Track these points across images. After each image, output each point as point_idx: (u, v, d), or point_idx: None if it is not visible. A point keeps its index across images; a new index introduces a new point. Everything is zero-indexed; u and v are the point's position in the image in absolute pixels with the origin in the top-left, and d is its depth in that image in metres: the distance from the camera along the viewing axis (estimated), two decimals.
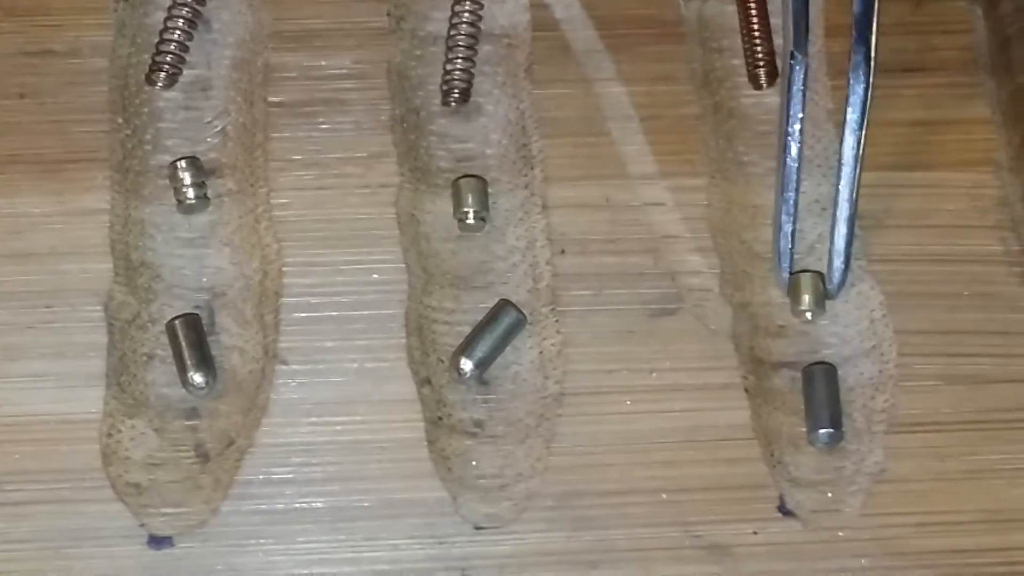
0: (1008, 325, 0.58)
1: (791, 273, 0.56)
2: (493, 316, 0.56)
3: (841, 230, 0.55)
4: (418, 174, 0.58)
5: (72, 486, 0.54)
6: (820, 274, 0.57)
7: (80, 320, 0.56)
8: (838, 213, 0.55)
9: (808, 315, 0.57)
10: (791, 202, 0.55)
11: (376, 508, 0.54)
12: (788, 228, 0.55)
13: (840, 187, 0.54)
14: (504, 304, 0.56)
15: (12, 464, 0.54)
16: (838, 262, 0.56)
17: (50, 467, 0.54)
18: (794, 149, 0.54)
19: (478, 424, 0.55)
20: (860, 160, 0.53)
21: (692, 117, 0.60)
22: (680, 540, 0.54)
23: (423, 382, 0.56)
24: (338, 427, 0.55)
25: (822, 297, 0.57)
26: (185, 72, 0.59)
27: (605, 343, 0.57)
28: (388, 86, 0.60)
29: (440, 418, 0.55)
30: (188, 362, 0.54)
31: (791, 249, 0.56)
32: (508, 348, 0.56)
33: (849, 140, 0.53)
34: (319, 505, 0.54)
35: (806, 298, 0.57)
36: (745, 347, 0.57)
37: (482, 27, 0.60)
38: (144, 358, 0.55)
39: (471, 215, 0.57)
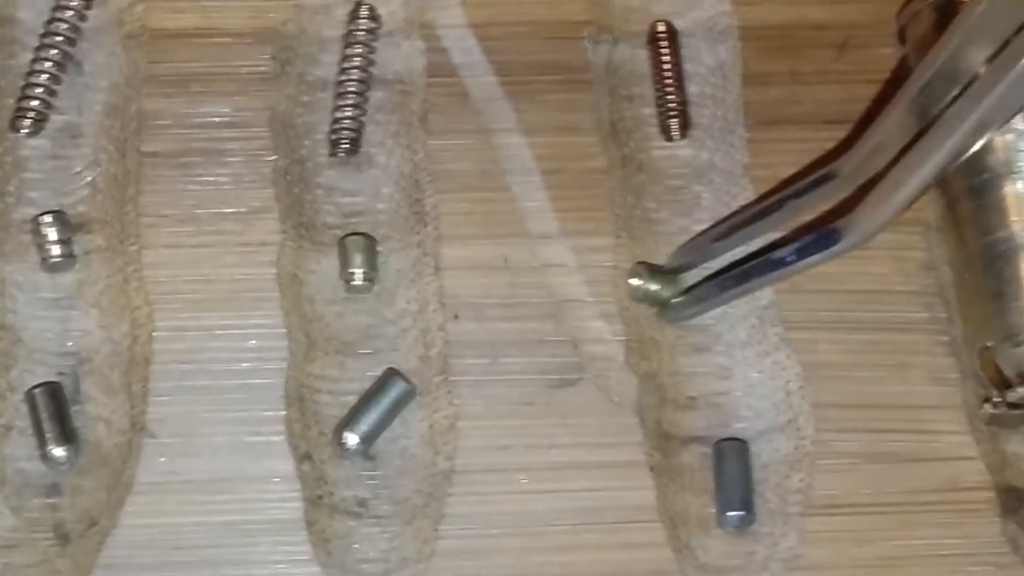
0: (932, 399, 0.57)
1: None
2: (380, 386, 0.55)
3: None
4: (302, 231, 0.58)
5: None
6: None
7: None
8: None
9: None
10: None
11: None
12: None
13: None
14: (392, 373, 0.55)
15: None
16: None
17: None
18: None
19: (362, 503, 0.54)
20: None
21: (598, 171, 0.60)
22: None
23: (303, 457, 0.55)
24: (210, 507, 0.54)
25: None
26: (53, 118, 0.57)
27: (500, 416, 0.56)
28: (271, 135, 0.59)
29: (321, 497, 0.54)
30: (48, 435, 0.53)
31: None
32: (396, 421, 0.55)
33: None
34: None
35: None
36: (651, 421, 0.56)
37: (374, 72, 0.59)
38: (1, 430, 0.54)
39: (358, 275, 0.56)
